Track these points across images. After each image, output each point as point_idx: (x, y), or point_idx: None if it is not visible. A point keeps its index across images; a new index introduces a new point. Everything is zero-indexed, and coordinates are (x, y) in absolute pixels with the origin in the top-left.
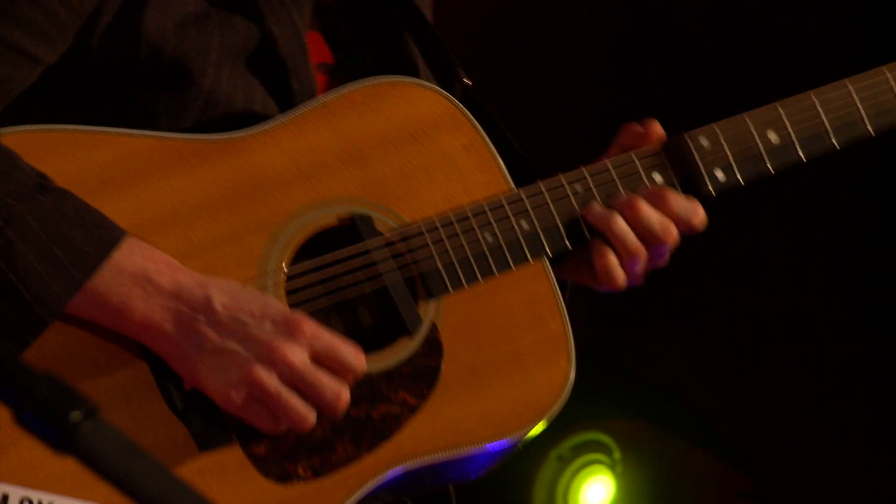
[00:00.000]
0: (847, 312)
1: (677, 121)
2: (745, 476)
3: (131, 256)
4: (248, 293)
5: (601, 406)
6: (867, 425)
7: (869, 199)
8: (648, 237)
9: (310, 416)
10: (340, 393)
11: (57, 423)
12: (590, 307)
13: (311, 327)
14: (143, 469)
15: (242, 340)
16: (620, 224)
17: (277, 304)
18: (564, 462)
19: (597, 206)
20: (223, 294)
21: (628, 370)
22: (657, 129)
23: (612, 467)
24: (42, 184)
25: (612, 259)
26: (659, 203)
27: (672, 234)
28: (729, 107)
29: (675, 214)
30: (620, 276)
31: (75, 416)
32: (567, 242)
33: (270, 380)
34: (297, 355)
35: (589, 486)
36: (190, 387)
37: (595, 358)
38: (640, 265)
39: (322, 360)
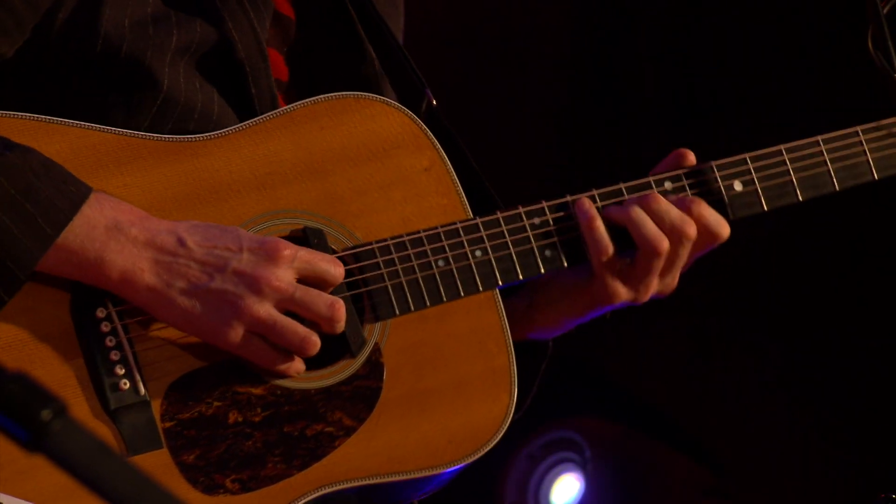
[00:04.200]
0: (813, 313)
1: (649, 155)
2: (713, 475)
3: (101, 209)
4: (218, 228)
5: (572, 405)
6: (833, 424)
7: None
8: (667, 231)
9: (311, 336)
10: (333, 303)
11: (27, 422)
12: None
13: (289, 248)
14: (112, 468)
15: (227, 276)
16: (640, 213)
17: (249, 234)
18: (535, 460)
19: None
20: (195, 234)
21: (599, 370)
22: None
23: (582, 465)
24: (5, 142)
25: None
26: (684, 206)
27: (690, 233)
28: (705, 144)
29: (703, 221)
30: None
31: (45, 414)
32: (519, 275)
33: (262, 309)
34: (283, 278)
35: (560, 483)
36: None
37: (566, 357)
38: (658, 265)
39: (306, 277)
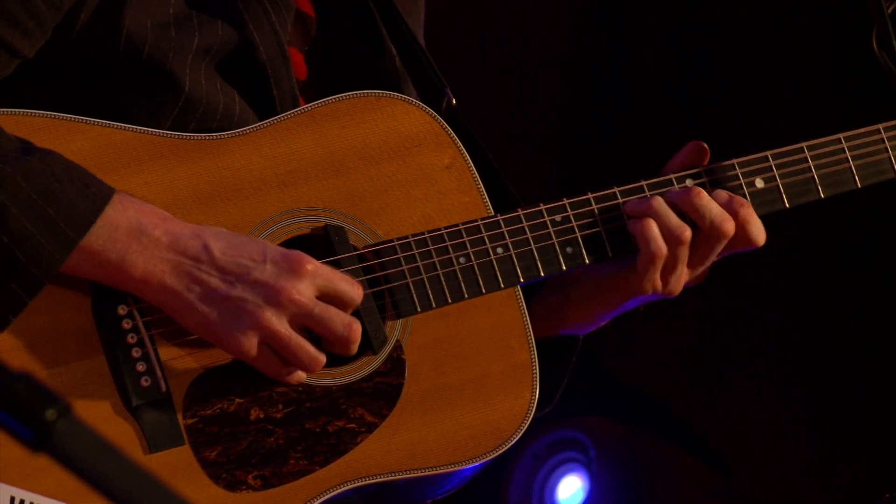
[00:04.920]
0: (819, 313)
1: (666, 150)
2: (718, 474)
3: (124, 211)
4: (244, 238)
5: (577, 404)
6: (840, 424)
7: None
8: (707, 226)
9: (319, 357)
10: (351, 324)
11: (32, 421)
12: None
13: (312, 264)
14: (117, 467)
15: (248, 285)
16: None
17: (274, 246)
18: (540, 460)
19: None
20: (220, 241)
21: (604, 369)
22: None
23: (587, 465)
24: (26, 146)
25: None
26: (731, 207)
27: (728, 230)
28: (727, 143)
29: (747, 227)
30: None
31: (50, 414)
32: (541, 272)
33: (280, 324)
34: (304, 293)
35: (564, 483)
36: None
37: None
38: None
39: (325, 295)
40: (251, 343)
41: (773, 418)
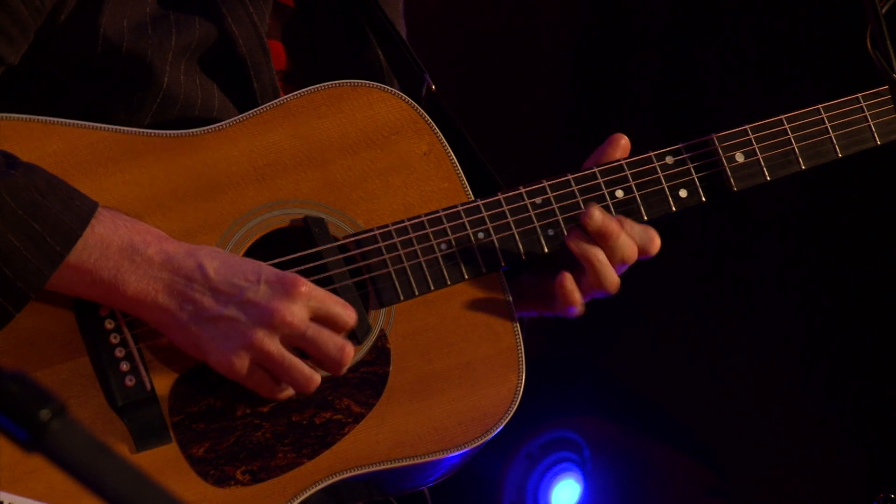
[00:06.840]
0: (814, 313)
1: (646, 135)
2: (714, 474)
3: (115, 229)
4: (239, 258)
5: (571, 404)
6: (834, 424)
7: (830, 198)
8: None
9: (314, 376)
10: (343, 346)
11: (26, 421)
12: None
13: (307, 286)
14: (110, 467)
15: (240, 306)
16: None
17: (269, 266)
18: (534, 460)
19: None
20: (215, 260)
21: (598, 369)
22: (623, 141)
23: (581, 465)
24: (9, 160)
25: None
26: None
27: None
28: (699, 120)
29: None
30: (579, 297)
31: (44, 414)
32: (522, 255)
33: (273, 344)
34: (297, 315)
35: (558, 483)
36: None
37: (565, 357)
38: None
39: (319, 317)
40: (242, 363)
41: (767, 417)
